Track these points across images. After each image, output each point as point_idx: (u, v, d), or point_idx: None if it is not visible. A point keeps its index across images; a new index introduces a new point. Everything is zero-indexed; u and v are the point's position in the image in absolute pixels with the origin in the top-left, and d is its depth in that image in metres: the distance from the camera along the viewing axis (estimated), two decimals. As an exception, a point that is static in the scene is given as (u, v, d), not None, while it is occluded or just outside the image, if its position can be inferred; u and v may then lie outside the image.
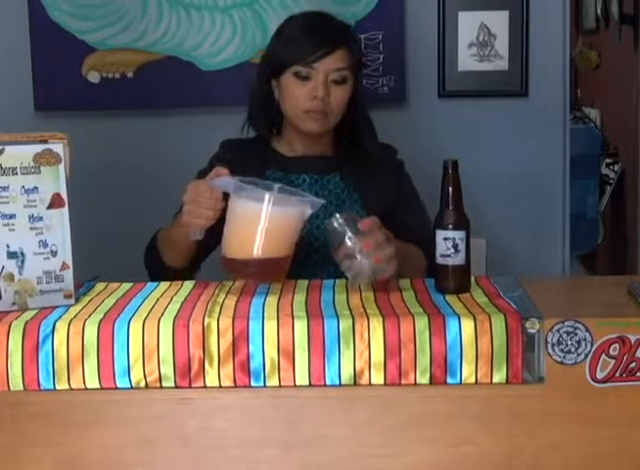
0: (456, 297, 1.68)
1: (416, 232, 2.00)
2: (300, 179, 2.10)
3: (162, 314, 1.59)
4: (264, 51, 2.20)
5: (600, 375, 1.54)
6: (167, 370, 1.55)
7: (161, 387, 1.56)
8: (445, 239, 1.70)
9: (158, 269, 2.08)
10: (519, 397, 1.55)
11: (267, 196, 1.71)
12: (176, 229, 1.96)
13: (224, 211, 1.80)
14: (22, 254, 1.64)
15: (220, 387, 1.56)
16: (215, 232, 1.83)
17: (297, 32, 2.10)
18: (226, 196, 1.79)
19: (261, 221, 1.72)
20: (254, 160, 2.01)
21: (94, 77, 3.15)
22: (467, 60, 3.16)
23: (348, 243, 1.73)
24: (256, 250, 1.73)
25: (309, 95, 2.05)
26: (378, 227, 1.77)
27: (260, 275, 1.77)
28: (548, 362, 1.54)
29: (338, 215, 1.76)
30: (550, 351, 1.54)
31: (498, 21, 3.14)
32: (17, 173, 1.64)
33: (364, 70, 2.23)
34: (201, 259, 2.08)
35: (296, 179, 2.09)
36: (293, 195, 1.77)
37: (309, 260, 2.08)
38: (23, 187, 1.64)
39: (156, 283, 1.82)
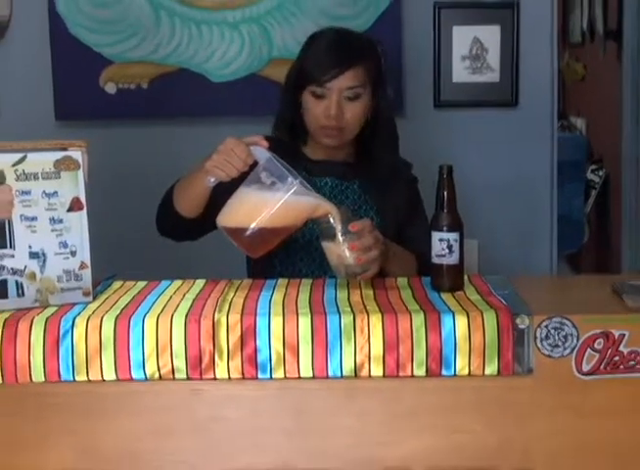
0: (450, 294, 1.68)
1: (417, 245, 2.00)
2: (323, 182, 2.10)
3: (175, 311, 1.59)
4: (290, 67, 2.18)
5: (585, 368, 1.54)
6: (180, 363, 1.55)
7: (174, 378, 1.56)
8: (440, 240, 1.70)
9: (168, 222, 2.05)
10: (509, 388, 1.55)
11: (290, 180, 1.73)
12: (195, 173, 1.92)
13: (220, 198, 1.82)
14: (44, 254, 1.65)
15: (229, 378, 1.56)
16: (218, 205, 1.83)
17: (314, 53, 2.09)
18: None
19: (274, 200, 1.73)
20: (287, 159, 2.00)
21: (111, 88, 3.16)
22: (461, 72, 3.17)
23: (340, 239, 1.76)
24: (260, 220, 1.74)
25: (324, 113, 2.05)
26: (369, 230, 1.78)
27: (249, 242, 1.77)
28: (537, 356, 1.54)
29: (335, 211, 1.77)
30: (539, 345, 1.54)
31: (490, 35, 3.14)
32: (38, 179, 1.64)
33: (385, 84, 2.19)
34: (207, 219, 1.97)
35: (319, 181, 2.09)
36: (309, 191, 1.78)
37: (295, 256, 2.09)
38: (44, 191, 1.64)
39: (169, 281, 1.81)
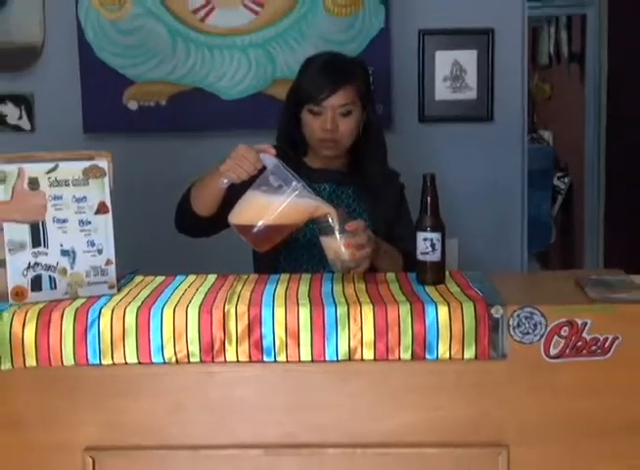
0: (433, 287, 1.67)
1: (404, 244, 2.00)
2: (321, 188, 2.10)
3: (190, 302, 1.59)
4: (290, 88, 2.17)
5: (553, 352, 1.54)
6: (194, 348, 1.55)
7: (189, 362, 1.56)
8: (424, 239, 1.70)
9: (186, 219, 2.04)
10: (485, 370, 1.55)
11: (294, 183, 1.73)
12: (210, 176, 1.92)
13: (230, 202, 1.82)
14: (74, 252, 1.64)
15: (238, 362, 1.56)
16: (230, 204, 1.83)
17: (310, 75, 2.08)
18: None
19: (279, 201, 1.73)
20: (287, 165, 2.00)
21: (133, 105, 3.16)
22: (443, 91, 3.17)
23: (337, 237, 1.75)
24: (266, 218, 1.73)
25: (321, 127, 2.05)
26: (363, 230, 1.78)
27: (256, 237, 1.77)
28: (510, 342, 1.54)
29: (334, 212, 1.77)
30: (511, 332, 1.54)
31: (468, 58, 3.14)
32: (69, 185, 1.64)
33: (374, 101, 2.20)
34: (220, 218, 1.95)
35: (318, 187, 2.09)
36: (311, 194, 1.78)
37: (297, 253, 2.08)
38: (74, 196, 1.64)
39: (184, 276, 1.81)
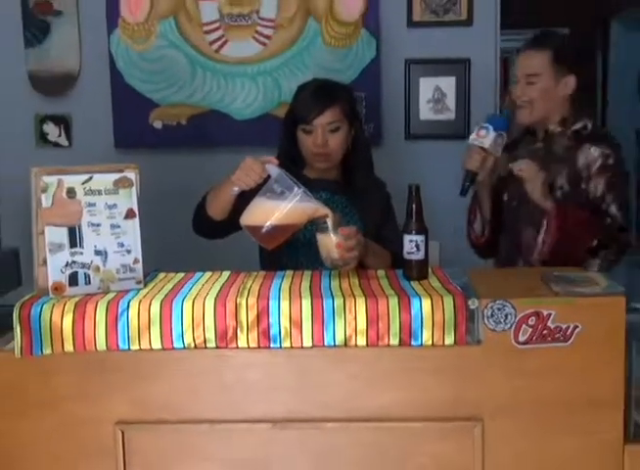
0: (418, 283, 1.67)
1: (391, 245, 2.00)
2: (318, 195, 2.08)
3: (207, 295, 1.59)
4: (286, 111, 2.17)
5: (521, 339, 1.54)
6: (210, 335, 1.55)
7: (206, 347, 1.56)
8: (410, 241, 1.70)
9: (203, 223, 2.04)
10: (463, 355, 1.55)
11: (296, 190, 1.73)
12: (222, 185, 1.93)
13: (243, 204, 1.81)
14: (105, 252, 1.64)
15: (248, 347, 1.55)
16: (241, 208, 1.83)
17: (302, 99, 2.09)
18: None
19: (283, 204, 1.73)
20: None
21: (157, 125, 3.17)
22: (426, 112, 3.17)
23: (332, 237, 1.75)
24: (272, 219, 1.74)
25: (313, 143, 2.06)
26: (354, 234, 1.78)
27: (264, 236, 1.76)
28: (484, 330, 1.54)
29: (331, 216, 1.77)
30: (485, 321, 1.54)
31: (448, 84, 3.15)
32: (101, 194, 1.64)
33: (360, 119, 2.20)
34: (232, 221, 1.96)
35: (315, 195, 2.08)
36: (311, 199, 1.78)
37: (298, 252, 2.07)
38: (106, 203, 1.64)
39: (201, 273, 1.80)
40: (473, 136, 2.15)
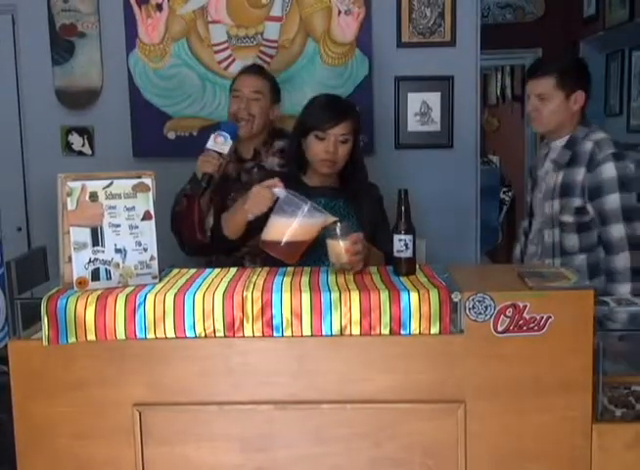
0: (407, 278, 1.67)
1: (383, 245, 1.99)
2: (318, 201, 2.08)
3: (216, 289, 1.58)
4: (296, 121, 2.16)
5: (500, 328, 1.53)
6: (219, 325, 1.54)
7: (215, 336, 1.55)
8: (399, 240, 1.69)
9: (220, 243, 2.04)
10: (447, 343, 1.54)
11: (303, 207, 1.72)
12: (238, 211, 1.94)
13: (259, 222, 1.81)
14: (125, 250, 1.64)
15: (254, 336, 1.55)
16: (256, 226, 1.83)
17: (318, 109, 2.08)
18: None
19: (295, 222, 1.72)
20: (291, 186, 1.98)
21: (171, 135, 3.16)
22: (413, 124, 3.17)
23: (340, 243, 1.74)
24: (287, 237, 1.72)
25: (324, 150, 2.05)
26: (360, 241, 1.77)
27: (284, 253, 1.75)
28: (466, 320, 1.54)
29: (339, 225, 1.76)
30: (468, 313, 1.53)
31: (433, 99, 3.15)
32: (121, 198, 1.63)
33: (361, 134, 2.20)
34: (245, 239, 2.01)
35: (315, 200, 2.08)
36: (318, 211, 1.77)
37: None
38: (125, 206, 1.63)
39: (211, 269, 1.80)
40: (211, 143, 2.19)
